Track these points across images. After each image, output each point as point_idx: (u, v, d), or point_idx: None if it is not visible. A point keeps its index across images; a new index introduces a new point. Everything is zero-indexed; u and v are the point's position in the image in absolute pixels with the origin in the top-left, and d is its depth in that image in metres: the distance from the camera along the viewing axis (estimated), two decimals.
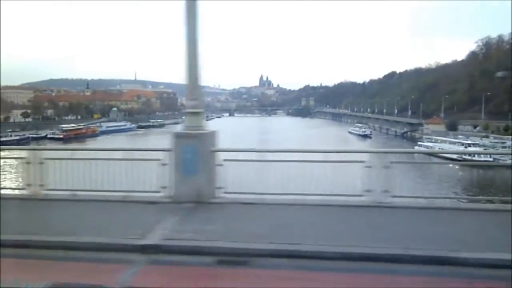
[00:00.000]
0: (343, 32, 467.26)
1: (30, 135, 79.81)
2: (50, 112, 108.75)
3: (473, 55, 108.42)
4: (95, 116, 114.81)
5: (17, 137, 74.93)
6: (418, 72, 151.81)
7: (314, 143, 71.33)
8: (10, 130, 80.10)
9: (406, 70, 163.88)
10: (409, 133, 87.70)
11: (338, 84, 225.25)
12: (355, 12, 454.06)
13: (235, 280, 5.27)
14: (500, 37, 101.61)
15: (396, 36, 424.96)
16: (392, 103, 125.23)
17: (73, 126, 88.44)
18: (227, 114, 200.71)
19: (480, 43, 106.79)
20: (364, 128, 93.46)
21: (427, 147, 58.22)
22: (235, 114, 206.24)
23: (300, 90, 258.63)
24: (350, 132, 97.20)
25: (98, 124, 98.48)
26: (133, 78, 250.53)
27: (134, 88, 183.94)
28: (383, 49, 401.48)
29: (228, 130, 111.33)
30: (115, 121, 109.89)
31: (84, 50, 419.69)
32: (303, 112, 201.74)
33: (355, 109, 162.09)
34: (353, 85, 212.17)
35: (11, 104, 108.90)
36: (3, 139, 69.87)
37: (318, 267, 5.42)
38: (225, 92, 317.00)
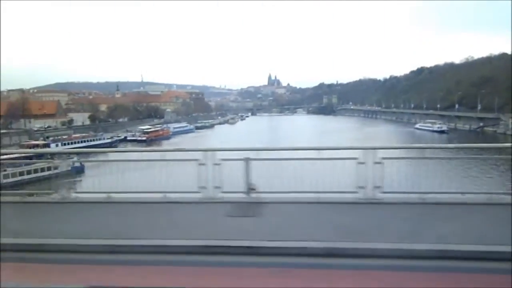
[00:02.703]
0: (355, 29, 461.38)
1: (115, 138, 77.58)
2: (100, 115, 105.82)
3: None
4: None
5: (109, 140, 72.72)
6: (451, 67, 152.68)
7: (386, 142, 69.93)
8: (101, 133, 77.96)
9: (437, 65, 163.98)
10: (482, 128, 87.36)
11: (357, 81, 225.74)
12: (366, 9, 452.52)
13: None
14: None
15: (412, 32, 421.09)
16: (432, 98, 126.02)
17: (149, 128, 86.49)
18: (250, 114, 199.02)
19: None
20: (439, 123, 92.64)
21: None
22: (257, 114, 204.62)
23: (315, 88, 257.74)
24: (418, 129, 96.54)
25: (165, 126, 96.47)
26: (139, 80, 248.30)
27: (151, 90, 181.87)
28: (399, 46, 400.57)
29: (285, 129, 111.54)
30: (170, 122, 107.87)
31: (85, 53, 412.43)
32: (326, 110, 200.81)
33: (383, 105, 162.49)
34: (373, 81, 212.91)
35: (64, 108, 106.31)
36: (97, 142, 67.88)
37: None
38: (233, 92, 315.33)
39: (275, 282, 5.19)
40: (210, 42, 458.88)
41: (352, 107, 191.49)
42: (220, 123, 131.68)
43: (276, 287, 5.05)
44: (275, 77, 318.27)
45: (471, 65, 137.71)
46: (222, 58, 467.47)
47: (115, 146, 71.99)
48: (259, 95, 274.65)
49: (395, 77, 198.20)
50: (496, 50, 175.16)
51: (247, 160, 8.45)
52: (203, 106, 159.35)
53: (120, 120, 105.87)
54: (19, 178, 38.19)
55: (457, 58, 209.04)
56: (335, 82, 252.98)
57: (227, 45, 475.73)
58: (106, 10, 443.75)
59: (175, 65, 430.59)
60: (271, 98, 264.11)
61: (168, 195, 8.56)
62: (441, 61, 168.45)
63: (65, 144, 59.94)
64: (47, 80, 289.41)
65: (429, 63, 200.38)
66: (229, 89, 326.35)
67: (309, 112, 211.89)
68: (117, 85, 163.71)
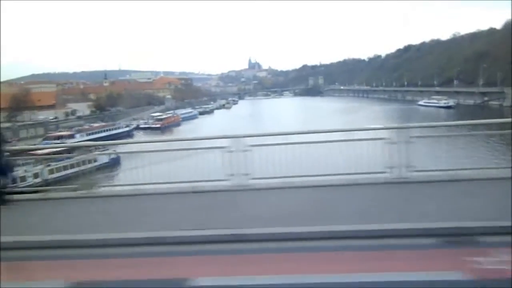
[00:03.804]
0: (335, 9, 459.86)
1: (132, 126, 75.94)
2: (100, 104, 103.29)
3: None
4: None
5: (127, 129, 71.13)
6: (438, 43, 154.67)
7: (394, 121, 70.84)
8: (119, 122, 76.06)
9: (424, 42, 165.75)
10: (487, 102, 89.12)
11: (341, 61, 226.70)
12: None
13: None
14: None
15: (394, 10, 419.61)
16: (425, 75, 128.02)
17: (161, 115, 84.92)
18: (237, 98, 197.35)
19: None
20: (445, 99, 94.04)
21: None
22: (244, 98, 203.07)
23: (298, 70, 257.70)
24: (423, 105, 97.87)
25: (173, 112, 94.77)
26: (117, 69, 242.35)
27: (137, 77, 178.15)
28: (381, 24, 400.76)
29: (285, 111, 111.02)
30: (170, 109, 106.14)
31: (58, 43, 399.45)
32: (312, 92, 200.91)
33: (374, 84, 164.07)
34: (358, 61, 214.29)
35: (63, 99, 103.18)
36: (117, 131, 66.34)
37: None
38: (213, 77, 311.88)
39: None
40: (186, 27, 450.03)
41: (340, 87, 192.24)
42: (217, 108, 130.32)
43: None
44: (255, 60, 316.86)
45: (459, 41, 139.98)
46: (199, 43, 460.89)
47: (133, 135, 70.65)
48: (243, 79, 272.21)
49: (379, 56, 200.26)
50: (482, 26, 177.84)
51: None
52: (193, 91, 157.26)
53: (120, 108, 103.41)
54: (64, 172, 36.91)
55: (442, 35, 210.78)
56: (318, 64, 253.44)
57: (204, 30, 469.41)
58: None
59: (150, 52, 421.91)
60: (255, 82, 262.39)
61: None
62: (426, 38, 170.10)
63: (88, 135, 58.25)
64: (21, 72, 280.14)
65: (414, 40, 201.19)
66: (208, 74, 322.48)
67: (295, 94, 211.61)
68: (105, 74, 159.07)
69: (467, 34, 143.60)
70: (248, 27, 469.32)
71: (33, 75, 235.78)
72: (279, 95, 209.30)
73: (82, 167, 38.27)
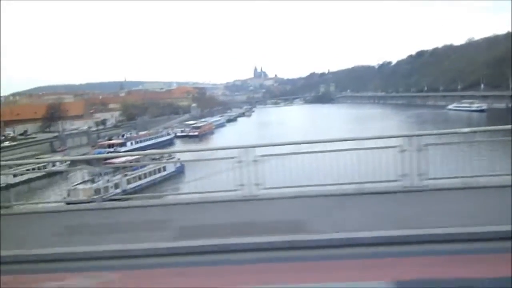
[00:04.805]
0: (341, 17, 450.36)
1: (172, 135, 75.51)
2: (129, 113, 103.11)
3: None
4: None
5: (169, 137, 70.73)
6: (450, 49, 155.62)
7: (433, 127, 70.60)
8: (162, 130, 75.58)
9: (437, 48, 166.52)
10: None
11: (350, 68, 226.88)
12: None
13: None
14: None
15: (402, 16, 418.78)
16: (444, 79, 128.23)
17: (195, 123, 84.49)
18: (250, 106, 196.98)
19: None
20: (477, 103, 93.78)
21: None
22: (257, 106, 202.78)
23: (307, 77, 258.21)
24: (453, 109, 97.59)
25: (205, 121, 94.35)
26: (122, 80, 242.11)
27: (151, 87, 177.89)
28: (389, 31, 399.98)
29: (306, 119, 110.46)
30: (196, 117, 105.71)
31: (58, 55, 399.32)
32: (324, 99, 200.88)
33: (390, 90, 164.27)
34: (367, 68, 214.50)
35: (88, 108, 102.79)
36: (161, 139, 65.91)
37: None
38: (219, 87, 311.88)
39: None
40: (190, 37, 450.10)
41: (353, 94, 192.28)
42: (238, 116, 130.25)
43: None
44: (261, 69, 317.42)
45: (475, 46, 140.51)
46: (204, 53, 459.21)
47: (174, 143, 70.13)
48: (251, 88, 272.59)
49: (389, 63, 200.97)
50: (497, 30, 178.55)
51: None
52: (208, 100, 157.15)
53: (145, 117, 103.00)
54: (139, 182, 36.47)
55: (454, 40, 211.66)
56: (326, 71, 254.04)
57: (209, 39, 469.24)
58: (80, 11, 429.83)
59: (153, 63, 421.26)
60: (264, 90, 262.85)
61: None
62: (437, 44, 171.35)
63: (137, 143, 57.73)
64: (25, 86, 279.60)
65: (424, 46, 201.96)
66: (213, 84, 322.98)
67: (306, 102, 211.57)
68: (121, 84, 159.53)
69: (482, 39, 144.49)
70: (252, 36, 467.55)
71: (38, 88, 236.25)
72: (290, 103, 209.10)
73: (154, 177, 37.86)
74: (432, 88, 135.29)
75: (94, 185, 32.60)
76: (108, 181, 33.51)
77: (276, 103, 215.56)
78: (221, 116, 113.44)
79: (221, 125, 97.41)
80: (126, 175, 35.42)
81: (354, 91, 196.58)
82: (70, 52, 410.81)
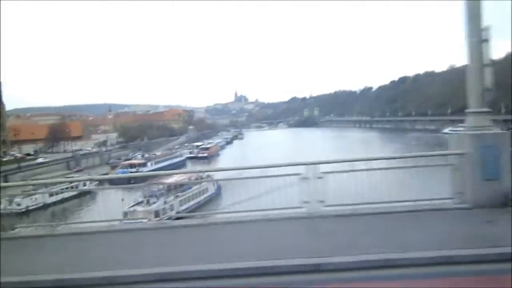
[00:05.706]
0: (321, 42, 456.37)
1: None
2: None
3: None
4: None
5: (182, 158, 69.75)
6: (432, 75, 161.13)
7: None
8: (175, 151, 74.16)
9: (418, 74, 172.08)
10: None
11: (332, 93, 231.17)
12: (331, 22, 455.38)
13: None
14: None
15: (382, 43, 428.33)
16: (431, 104, 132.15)
17: (202, 145, 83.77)
18: (239, 130, 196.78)
19: None
20: None
21: None
22: (242, 130, 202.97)
23: (288, 102, 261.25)
24: (448, 133, 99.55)
25: (211, 142, 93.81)
26: (101, 103, 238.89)
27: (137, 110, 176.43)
28: (370, 57, 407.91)
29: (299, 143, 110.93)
30: (193, 139, 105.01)
31: (40, 78, 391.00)
32: (307, 123, 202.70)
33: (376, 115, 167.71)
34: (349, 93, 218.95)
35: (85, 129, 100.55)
36: (177, 159, 64.93)
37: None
38: (199, 110, 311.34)
39: None
40: (170, 61, 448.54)
41: (337, 118, 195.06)
42: (232, 139, 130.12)
43: None
44: (241, 93, 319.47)
45: (457, 72, 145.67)
46: (184, 76, 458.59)
47: (186, 164, 69.22)
48: (233, 111, 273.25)
49: (371, 88, 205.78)
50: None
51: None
52: (197, 123, 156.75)
53: (145, 139, 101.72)
54: (190, 203, 35.59)
55: (436, 67, 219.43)
56: (307, 96, 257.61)
57: (189, 63, 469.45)
58: (59, 32, 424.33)
59: (135, 86, 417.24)
60: (246, 114, 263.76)
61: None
62: (419, 71, 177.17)
63: (156, 163, 56.76)
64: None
65: (405, 73, 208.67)
66: (194, 107, 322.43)
67: (290, 126, 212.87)
68: (109, 107, 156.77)
69: (463, 66, 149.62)
70: (233, 60, 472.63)
71: (15, 109, 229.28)
72: (275, 127, 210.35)
73: (200, 198, 37.39)
74: (420, 112, 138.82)
75: (154, 207, 31.83)
76: (165, 202, 32.77)
77: (260, 127, 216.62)
78: (224, 138, 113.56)
79: (222, 147, 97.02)
80: (177, 196, 34.64)
81: (338, 115, 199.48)
82: (49, 74, 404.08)
